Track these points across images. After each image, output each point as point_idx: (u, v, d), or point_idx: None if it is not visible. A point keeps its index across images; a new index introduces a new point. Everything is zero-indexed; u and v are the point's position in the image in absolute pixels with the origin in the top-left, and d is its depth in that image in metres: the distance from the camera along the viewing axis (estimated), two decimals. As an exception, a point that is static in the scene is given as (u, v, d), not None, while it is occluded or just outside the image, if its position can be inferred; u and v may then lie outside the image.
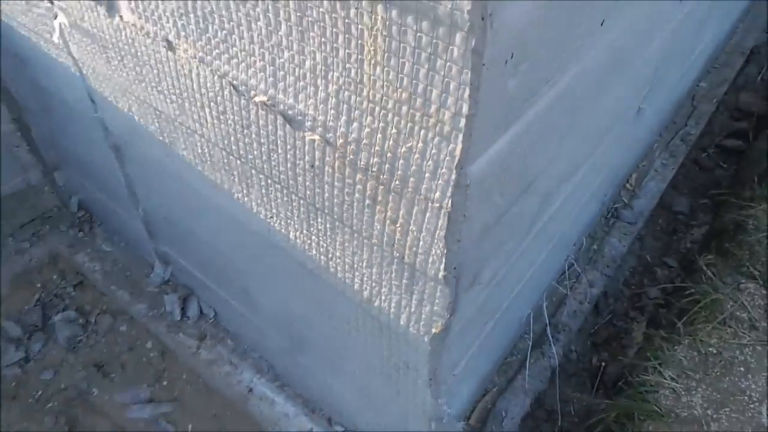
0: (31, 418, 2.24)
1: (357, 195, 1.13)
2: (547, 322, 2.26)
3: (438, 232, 1.03)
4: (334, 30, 0.92)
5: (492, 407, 2.09)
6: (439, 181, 0.96)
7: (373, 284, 1.28)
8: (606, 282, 2.65)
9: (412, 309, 1.23)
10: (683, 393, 1.85)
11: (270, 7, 0.99)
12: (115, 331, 2.50)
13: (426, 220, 1.03)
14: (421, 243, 1.08)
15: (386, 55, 0.88)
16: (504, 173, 1.09)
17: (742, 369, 1.94)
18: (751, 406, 1.84)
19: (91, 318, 2.54)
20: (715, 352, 1.98)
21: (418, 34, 0.82)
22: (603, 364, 2.37)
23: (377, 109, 0.96)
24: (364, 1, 0.85)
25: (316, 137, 1.11)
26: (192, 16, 1.17)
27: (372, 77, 0.93)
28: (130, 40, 1.43)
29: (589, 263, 2.67)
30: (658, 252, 3.01)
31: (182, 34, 1.23)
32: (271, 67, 1.08)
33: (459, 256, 1.07)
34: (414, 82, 0.87)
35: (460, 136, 0.88)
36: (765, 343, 1.93)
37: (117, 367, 2.39)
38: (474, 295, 1.30)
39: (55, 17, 1.65)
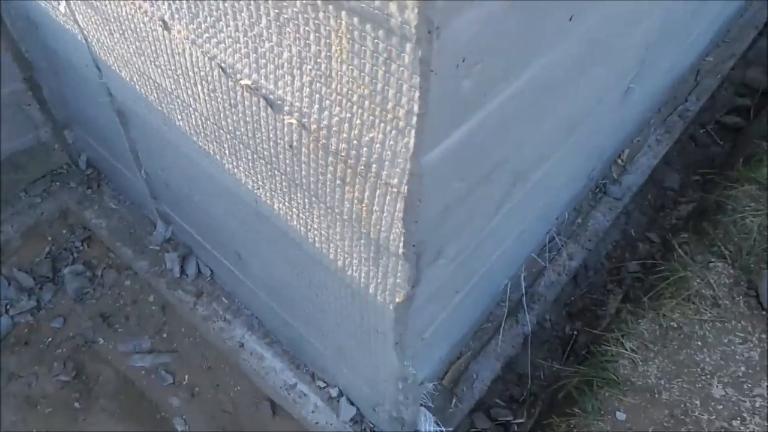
0: (41, 362, 2.38)
1: (329, 175, 1.21)
2: (524, 292, 2.32)
3: (396, 213, 1.11)
4: (306, 28, 0.99)
5: (465, 370, 2.19)
6: (397, 170, 1.03)
7: (346, 256, 1.37)
8: (586, 255, 2.68)
9: (379, 280, 1.32)
10: (640, 363, 1.94)
11: (251, 0, 1.07)
12: (119, 284, 2.62)
13: (387, 202, 1.11)
14: (383, 222, 1.16)
15: (350, 55, 0.95)
16: (461, 162, 1.16)
17: (699, 343, 2.01)
18: (703, 378, 1.93)
19: (97, 272, 2.66)
20: (675, 326, 2.05)
21: (376, 40, 0.89)
22: (576, 333, 2.43)
23: (344, 101, 1.04)
24: (330, 6, 0.93)
25: (294, 121, 1.18)
26: (184, 1, 1.25)
27: (339, 73, 1.00)
28: (129, 17, 1.48)
29: (571, 237, 2.70)
30: (642, 227, 3.02)
31: (176, 16, 1.29)
32: (254, 55, 1.15)
33: (417, 235, 1.16)
34: (374, 81, 0.95)
35: (413, 132, 0.95)
36: (725, 319, 2.01)
37: (121, 319, 2.52)
38: (438, 270, 1.39)
39: (62, -12, 1.72)
